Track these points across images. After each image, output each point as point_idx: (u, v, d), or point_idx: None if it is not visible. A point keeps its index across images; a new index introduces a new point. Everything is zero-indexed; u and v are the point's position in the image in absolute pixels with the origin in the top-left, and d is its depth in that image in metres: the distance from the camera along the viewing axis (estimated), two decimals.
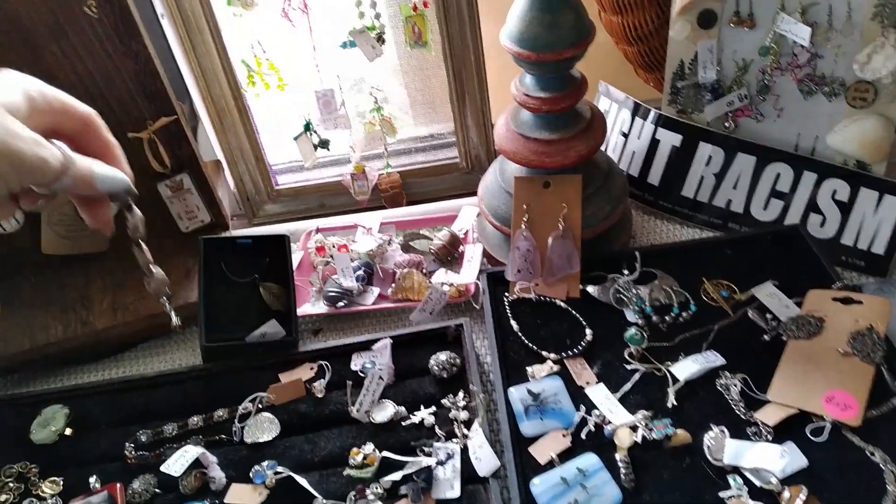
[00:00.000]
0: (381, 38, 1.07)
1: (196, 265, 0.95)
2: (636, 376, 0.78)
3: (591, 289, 0.87)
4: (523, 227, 0.88)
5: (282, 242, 0.90)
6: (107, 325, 0.90)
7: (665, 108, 1.01)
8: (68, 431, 0.81)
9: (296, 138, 1.17)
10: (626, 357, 0.80)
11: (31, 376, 0.92)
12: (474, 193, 1.30)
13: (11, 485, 0.76)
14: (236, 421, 0.79)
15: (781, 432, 0.70)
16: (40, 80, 0.51)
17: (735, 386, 0.75)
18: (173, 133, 0.90)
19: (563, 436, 0.73)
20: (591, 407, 0.75)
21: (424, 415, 0.77)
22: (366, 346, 0.85)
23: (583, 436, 0.73)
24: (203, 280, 0.85)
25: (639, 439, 0.71)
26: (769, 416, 0.72)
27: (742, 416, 0.73)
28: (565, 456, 0.71)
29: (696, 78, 0.97)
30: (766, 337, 0.80)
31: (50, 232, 0.95)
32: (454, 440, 0.74)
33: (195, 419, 0.80)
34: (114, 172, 0.52)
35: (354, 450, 0.75)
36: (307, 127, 1.17)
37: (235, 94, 1.12)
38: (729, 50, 0.94)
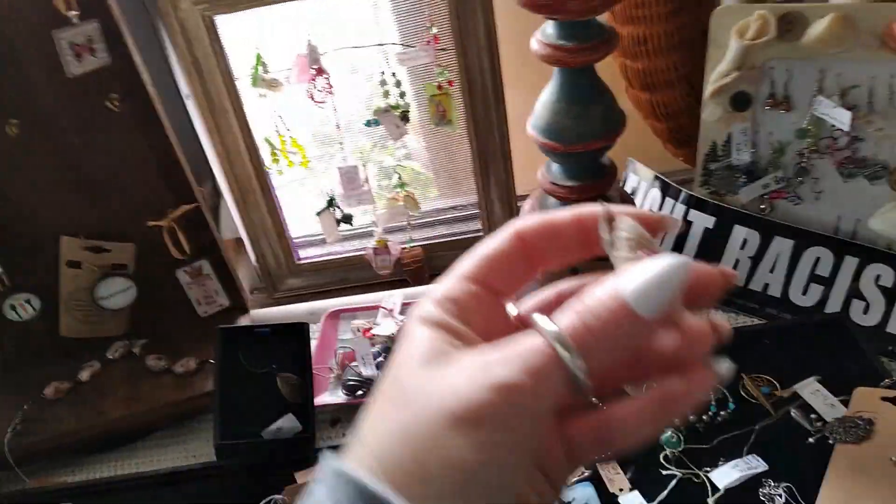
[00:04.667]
0: (405, 117, 1.06)
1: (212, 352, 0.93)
2: (672, 483, 0.73)
3: None
4: None
5: (301, 331, 0.88)
6: (121, 415, 0.88)
7: (697, 189, 0.97)
8: None
9: (318, 213, 1.16)
10: (662, 461, 0.75)
11: (47, 467, 0.89)
12: None
13: None
14: None
15: None
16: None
17: (780, 497, 0.70)
18: (193, 220, 0.89)
19: None
20: None
21: None
22: None
23: None
24: (219, 372, 0.83)
25: None
26: None
27: None
28: None
29: (729, 160, 0.93)
30: (811, 440, 0.75)
31: (68, 316, 0.93)
32: None
33: None
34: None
35: None
36: (330, 202, 1.16)
37: (259, 172, 1.11)
38: (764, 132, 0.91)
